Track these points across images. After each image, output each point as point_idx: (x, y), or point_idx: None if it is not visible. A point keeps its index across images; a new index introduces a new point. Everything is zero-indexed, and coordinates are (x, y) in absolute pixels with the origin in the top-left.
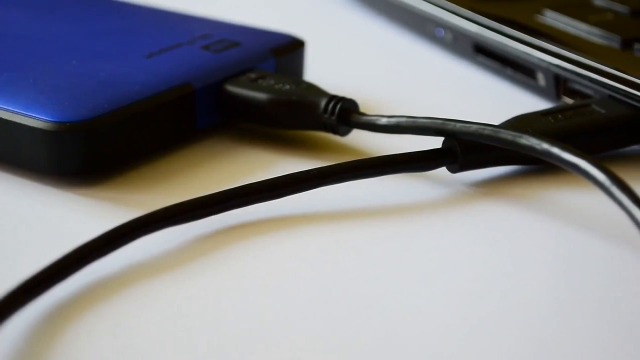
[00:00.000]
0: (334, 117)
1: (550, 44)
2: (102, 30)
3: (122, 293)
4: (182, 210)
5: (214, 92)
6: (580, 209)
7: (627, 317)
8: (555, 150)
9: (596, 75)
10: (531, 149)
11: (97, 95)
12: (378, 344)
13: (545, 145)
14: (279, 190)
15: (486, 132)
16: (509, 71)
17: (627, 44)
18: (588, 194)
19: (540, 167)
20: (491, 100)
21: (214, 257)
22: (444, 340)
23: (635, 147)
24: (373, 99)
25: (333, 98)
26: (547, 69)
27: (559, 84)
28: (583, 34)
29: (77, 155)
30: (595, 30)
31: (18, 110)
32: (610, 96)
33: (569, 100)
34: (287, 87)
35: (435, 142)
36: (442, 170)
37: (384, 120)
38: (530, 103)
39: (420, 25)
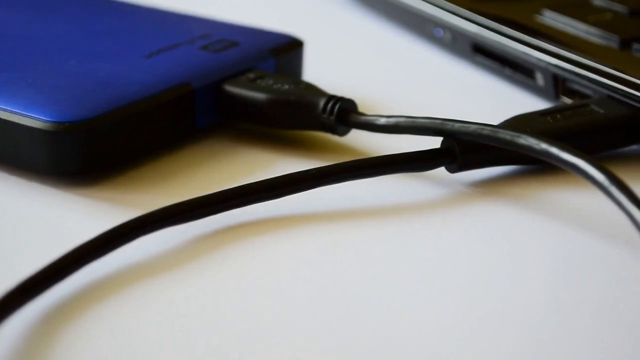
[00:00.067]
0: (332, 117)
1: (549, 43)
2: (101, 30)
3: (121, 293)
4: (181, 211)
5: (213, 92)
6: (579, 209)
7: (626, 317)
8: (554, 150)
9: (595, 75)
10: (530, 149)
11: (96, 95)
12: (377, 344)
13: (544, 145)
14: (278, 190)
15: (485, 132)
16: (508, 71)
17: (625, 44)
18: (587, 194)
19: (539, 167)
20: (490, 100)
21: (213, 257)
22: (443, 340)
23: (634, 147)
24: (372, 99)
25: (332, 98)
26: (545, 69)
27: (557, 84)
28: (582, 34)
29: (76, 155)
30: (594, 30)
31: (17, 110)
32: (609, 96)
33: (567, 100)
34: (286, 87)
35: (434, 142)
36: (441, 170)
37: (382, 120)
38: (529, 103)
39: (419, 25)
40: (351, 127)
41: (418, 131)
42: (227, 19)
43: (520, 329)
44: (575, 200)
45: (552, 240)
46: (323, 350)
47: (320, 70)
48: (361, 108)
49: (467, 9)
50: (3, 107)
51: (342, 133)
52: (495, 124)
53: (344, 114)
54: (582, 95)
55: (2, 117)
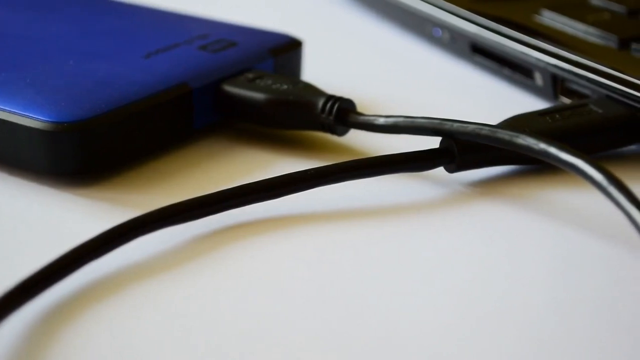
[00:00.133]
0: (331, 117)
1: (548, 43)
2: (100, 30)
3: (120, 293)
4: (179, 211)
5: (211, 92)
6: (577, 209)
7: (625, 316)
8: (553, 150)
9: (594, 75)
10: (528, 148)
11: (94, 95)
12: (376, 343)
13: (543, 145)
14: (277, 190)
15: (483, 132)
16: (507, 71)
17: (624, 44)
18: (585, 194)
19: (537, 167)
20: (488, 100)
21: (212, 257)
22: (442, 340)
23: (632, 147)
24: (370, 99)
25: (331, 98)
26: (544, 69)
27: (556, 84)
28: (580, 34)
29: (75, 156)
30: (592, 30)
31: (15, 111)
32: (607, 96)
33: (566, 100)
34: (285, 87)
35: (432, 142)
36: (440, 170)
37: (381, 120)
38: (527, 103)
39: (417, 25)
40: (350, 127)
41: (417, 131)
42: (225, 19)
43: (519, 328)
44: (574, 200)
45: (551, 240)
46: (322, 350)
47: (319, 70)
48: (360, 108)
49: (466, 9)
50: (2, 107)
51: (341, 133)
52: (493, 124)
53: (343, 114)
54: (581, 95)
55: (0, 117)
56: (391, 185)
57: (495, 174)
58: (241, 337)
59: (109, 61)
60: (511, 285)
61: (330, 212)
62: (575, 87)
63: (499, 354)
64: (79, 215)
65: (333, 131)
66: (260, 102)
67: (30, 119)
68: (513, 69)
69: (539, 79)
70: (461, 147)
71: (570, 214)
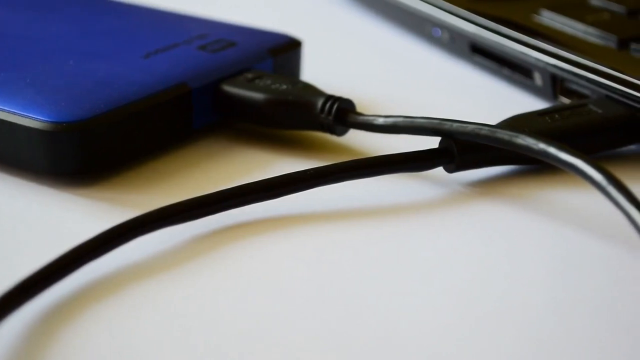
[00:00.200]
0: (330, 117)
1: (547, 43)
2: (99, 30)
3: (119, 293)
4: (179, 211)
5: (210, 92)
6: (577, 209)
7: (624, 317)
8: (552, 150)
9: (593, 75)
10: (528, 148)
11: (93, 95)
12: (375, 343)
13: (542, 145)
14: (276, 190)
15: (483, 132)
16: (506, 71)
17: (623, 44)
18: (585, 194)
19: (537, 167)
20: (488, 100)
21: (211, 257)
22: (441, 340)
23: (632, 147)
24: (370, 99)
25: (330, 98)
26: (544, 69)
27: (555, 84)
28: (580, 34)
29: (74, 156)
30: (592, 30)
31: (15, 111)
32: (607, 96)
33: (565, 100)
34: (284, 87)
35: (431, 142)
36: (439, 170)
37: (380, 120)
38: (527, 103)
39: (417, 25)
40: (349, 127)
41: (416, 131)
42: (225, 19)
43: (518, 329)
44: (573, 200)
45: (550, 240)
46: (322, 350)
47: (319, 70)
48: (359, 108)
49: (465, 9)
50: (1, 107)
51: (340, 133)
52: (493, 124)
53: (342, 114)
54: (580, 95)
55: (0, 117)
56: (390, 186)
57: (494, 174)
58: (240, 337)
59: (109, 61)
60: (510, 285)
61: (330, 212)
62: (574, 87)
63: (498, 354)
64: (79, 215)
65: (332, 131)
66: (260, 102)
67: (30, 119)
68: (512, 69)
69: (538, 79)
70: (460, 147)
71: (569, 214)
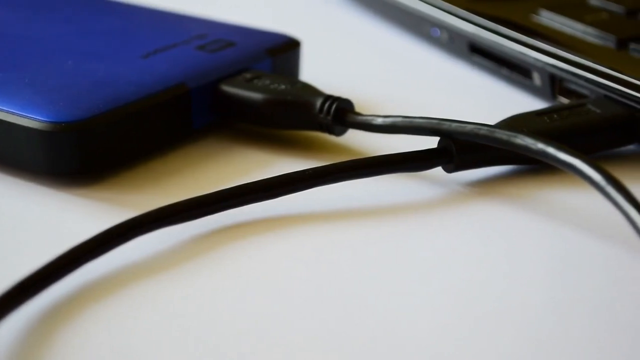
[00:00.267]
0: (329, 117)
1: (546, 43)
2: (98, 31)
3: (118, 293)
4: (177, 211)
5: (209, 92)
6: (575, 209)
7: (623, 317)
8: (551, 150)
9: (592, 75)
10: (526, 148)
11: (92, 95)
12: (374, 343)
13: (541, 145)
14: (275, 190)
15: (482, 132)
16: (505, 71)
17: (622, 44)
18: (583, 194)
19: (535, 167)
20: (487, 100)
21: (210, 257)
22: (440, 340)
23: (630, 147)
24: (369, 99)
25: (329, 98)
26: (542, 69)
27: (554, 84)
28: (578, 34)
29: (73, 156)
30: (590, 30)
31: (13, 111)
32: (605, 96)
33: (564, 100)
34: (283, 87)
35: (430, 142)
36: (438, 170)
37: (379, 120)
38: (525, 103)
39: (416, 25)
40: (348, 127)
41: (415, 131)
42: (223, 19)
43: (517, 328)
44: (572, 200)
45: (549, 240)
46: (321, 350)
47: (317, 70)
48: (358, 108)
49: (464, 8)
50: (0, 107)
51: (339, 133)
52: (492, 123)
53: (341, 114)
54: (579, 95)
55: None
56: (389, 185)
57: (493, 173)
58: (239, 337)
59: (107, 61)
60: (509, 285)
61: (328, 212)
62: (573, 87)
63: (497, 354)
64: (77, 215)
65: (331, 131)
66: (258, 102)
67: (29, 119)
68: (511, 69)
69: (537, 78)
70: (459, 147)
71: (568, 214)
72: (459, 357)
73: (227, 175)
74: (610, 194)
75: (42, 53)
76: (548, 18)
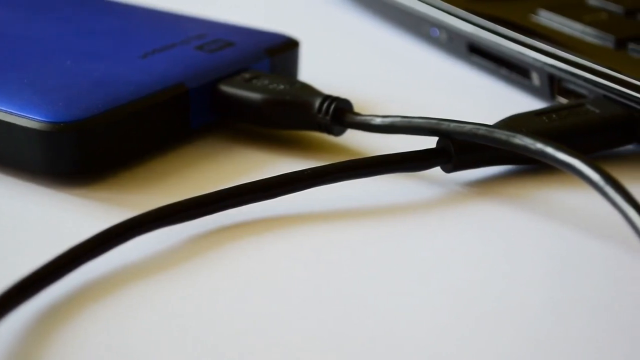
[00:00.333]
0: (328, 117)
1: (545, 43)
2: (97, 31)
3: (117, 293)
4: (176, 211)
5: (208, 92)
6: (574, 209)
7: (622, 316)
8: (550, 150)
9: (590, 75)
10: (525, 148)
11: (91, 95)
12: (373, 343)
13: (539, 145)
14: (273, 190)
15: (480, 131)
16: (504, 71)
17: (621, 44)
18: (582, 194)
19: (534, 167)
20: (486, 100)
21: (209, 257)
22: (439, 340)
23: (629, 147)
24: (367, 99)
25: (327, 98)
26: (541, 69)
27: (553, 84)
28: (577, 34)
29: (71, 156)
30: (589, 30)
31: (12, 111)
32: (604, 96)
33: (563, 100)
34: (282, 87)
35: (429, 142)
36: (436, 170)
37: (378, 120)
38: (524, 103)
39: (415, 25)
40: (347, 127)
41: (413, 131)
42: (222, 19)
43: (516, 328)
44: (570, 200)
45: (547, 240)
46: (319, 350)
47: (316, 70)
48: (357, 108)
49: (463, 9)
50: None
51: (338, 133)
52: (490, 123)
53: (340, 114)
54: (578, 95)
55: None
56: (388, 185)
57: (492, 173)
58: (238, 337)
59: (106, 61)
60: (508, 285)
61: (327, 212)
62: (572, 87)
63: (496, 354)
64: (76, 215)
65: (330, 131)
66: (257, 102)
67: (28, 119)
68: (510, 69)
69: (536, 78)
70: (458, 147)
71: (567, 214)
72: (457, 357)
73: (226, 175)
74: (609, 194)
75: (41, 53)
76: (547, 18)
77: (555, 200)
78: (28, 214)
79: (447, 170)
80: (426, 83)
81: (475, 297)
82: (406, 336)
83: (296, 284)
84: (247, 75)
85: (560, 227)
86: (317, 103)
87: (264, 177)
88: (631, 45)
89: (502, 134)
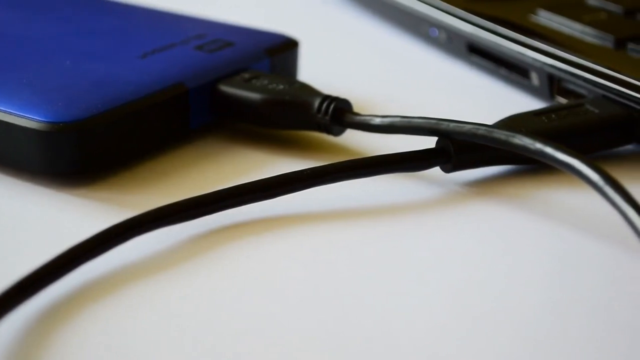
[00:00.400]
0: (327, 117)
1: (544, 43)
2: (96, 31)
3: (116, 293)
4: (175, 211)
5: (207, 92)
6: (573, 209)
7: (620, 316)
8: (549, 149)
9: (590, 75)
10: (524, 148)
11: (90, 95)
12: (371, 343)
13: (539, 145)
14: (273, 191)
15: (480, 131)
16: (503, 71)
17: (620, 44)
18: (582, 194)
19: (533, 166)
20: (485, 100)
21: (208, 257)
22: (437, 340)
23: (628, 147)
24: (367, 99)
25: (327, 98)
26: (540, 69)
27: (552, 84)
28: (577, 34)
29: (71, 156)
30: (588, 29)
31: (11, 111)
32: (604, 96)
33: (562, 100)
34: (281, 87)
35: (428, 142)
36: (436, 170)
37: (377, 120)
38: (524, 103)
39: (414, 25)
40: (346, 127)
41: (413, 131)
42: (222, 19)
43: (515, 329)
44: (570, 200)
45: (547, 240)
46: (318, 350)
47: (316, 70)
48: (356, 108)
49: (462, 9)
50: None
51: (337, 133)
52: (490, 123)
53: (339, 114)
54: (577, 95)
55: None
56: (387, 185)
57: (491, 173)
58: (237, 337)
59: (106, 61)
60: (507, 285)
61: (326, 212)
62: (571, 87)
63: (495, 354)
64: (76, 215)
65: (329, 131)
66: (257, 102)
67: (27, 119)
68: (509, 69)
69: (535, 78)
70: (457, 147)
71: (566, 214)
72: (456, 357)
73: (225, 175)
74: (608, 194)
75: (40, 53)
76: (546, 18)
77: (554, 200)
78: (27, 214)
79: (447, 170)
80: (425, 83)
81: (474, 297)
82: (405, 336)
83: (295, 284)
84: (246, 75)
85: (560, 227)
86: (316, 103)
87: (263, 177)
88: (630, 45)
89: (501, 134)
